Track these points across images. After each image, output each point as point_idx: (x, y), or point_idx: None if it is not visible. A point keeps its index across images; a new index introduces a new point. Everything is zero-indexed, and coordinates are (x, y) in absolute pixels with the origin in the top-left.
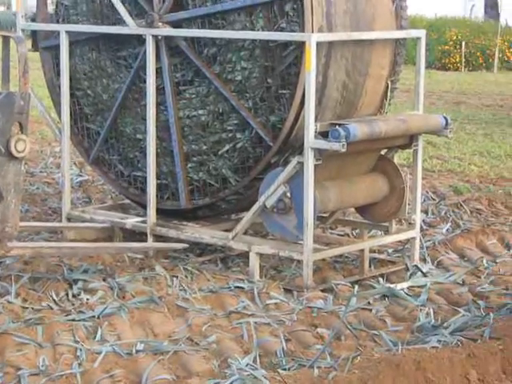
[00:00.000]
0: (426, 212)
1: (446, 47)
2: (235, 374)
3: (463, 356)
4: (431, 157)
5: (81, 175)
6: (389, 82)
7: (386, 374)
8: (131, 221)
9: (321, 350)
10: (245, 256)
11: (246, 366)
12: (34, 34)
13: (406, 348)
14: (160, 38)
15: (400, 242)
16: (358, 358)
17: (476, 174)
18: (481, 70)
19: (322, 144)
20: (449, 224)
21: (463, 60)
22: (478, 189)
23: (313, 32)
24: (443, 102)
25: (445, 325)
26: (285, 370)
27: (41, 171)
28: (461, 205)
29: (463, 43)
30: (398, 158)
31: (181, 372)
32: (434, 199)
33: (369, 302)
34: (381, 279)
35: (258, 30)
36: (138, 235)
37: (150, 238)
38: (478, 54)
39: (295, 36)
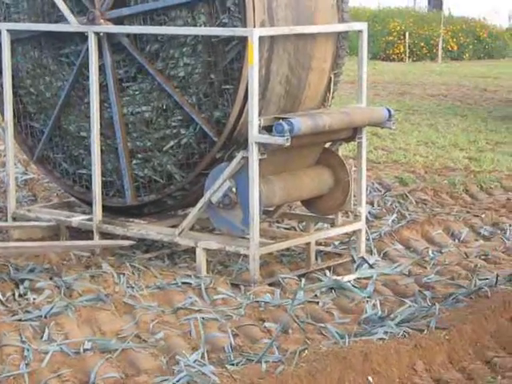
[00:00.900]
0: (371, 203)
1: (390, 38)
2: (183, 371)
3: (410, 347)
4: (376, 148)
5: (26, 173)
6: (332, 76)
7: (334, 366)
8: (77, 219)
9: (268, 345)
10: (192, 252)
11: (194, 362)
12: None
13: (353, 340)
14: (102, 34)
15: (346, 234)
16: (306, 351)
17: (421, 164)
18: (425, 60)
19: (266, 138)
20: (394, 215)
21: (407, 50)
22: (423, 179)
23: (254, 27)
24: (388, 93)
25: (391, 316)
26: (233, 365)
27: None
28: (406, 195)
29: (407, 34)
30: (344, 149)
31: (129, 370)
32: (379, 190)
33: (316, 295)
34: (327, 272)
35: (200, 25)
36: (84, 233)
37: (96, 236)
38: (422, 44)
39: (237, 31)
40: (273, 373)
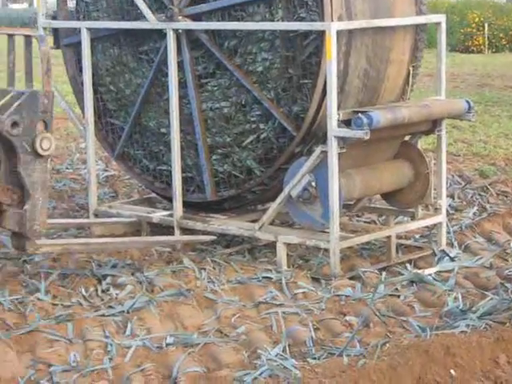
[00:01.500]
0: (452, 196)
1: (469, 29)
2: (265, 365)
3: (492, 340)
4: (456, 140)
5: (107, 170)
6: (410, 68)
7: (416, 360)
8: (158, 215)
9: (350, 338)
10: (272, 246)
11: (276, 356)
12: (55, 32)
13: (435, 333)
14: (180, 31)
15: (427, 227)
16: (387, 344)
17: (502, 156)
18: (504, 51)
19: (346, 132)
20: (475, 208)
21: (486, 42)
22: (503, 171)
23: (332, 21)
24: (467, 85)
25: (473, 309)
26: (314, 359)
27: (67, 168)
28: (487, 188)
29: (486, 25)
30: (423, 142)
31: (211, 364)
32: (459, 183)
33: (397, 289)
34: (408, 265)
35: (278, 20)
36: (165, 229)
37: (177, 232)
38: (501, 35)
39: (315, 25)
40: (354, 366)
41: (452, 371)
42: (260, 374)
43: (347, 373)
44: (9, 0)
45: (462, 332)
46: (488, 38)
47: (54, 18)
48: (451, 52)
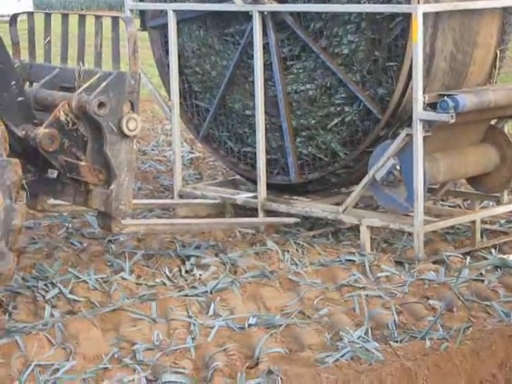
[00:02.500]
0: None
1: None
2: (347, 347)
3: None
4: None
5: (192, 152)
6: (497, 51)
7: (499, 344)
8: (242, 196)
9: (432, 322)
10: (356, 229)
11: (358, 338)
12: (142, 14)
13: None
14: (266, 13)
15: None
16: (470, 329)
17: None
18: None
19: (431, 116)
20: None
21: None
22: None
23: (419, 3)
24: None
25: None
26: (396, 342)
27: (152, 149)
28: None
29: None
30: (511, 127)
31: (293, 345)
32: None
33: (481, 273)
34: (493, 250)
35: (365, 2)
36: (249, 211)
37: (260, 213)
38: None
39: (401, 8)
40: (437, 350)
41: None
42: (342, 356)
43: (429, 356)
44: None
45: None
46: None
47: (141, 0)
48: None
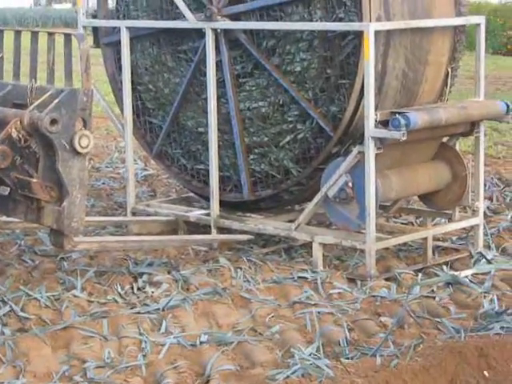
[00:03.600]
0: (490, 199)
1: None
2: (298, 364)
3: None
4: (496, 143)
5: (146, 169)
6: (449, 69)
7: (449, 361)
8: (195, 213)
9: (383, 339)
10: (308, 246)
11: (310, 355)
12: (95, 31)
13: (469, 335)
14: (219, 31)
15: (464, 229)
16: (421, 345)
17: None
18: None
19: (383, 133)
20: None
21: None
22: None
23: (371, 21)
24: (509, 88)
25: (508, 311)
26: (348, 358)
27: (106, 166)
28: None
29: None
30: (463, 145)
31: (244, 362)
32: (498, 186)
33: (432, 290)
34: (445, 267)
35: (316, 20)
36: (202, 228)
37: (213, 231)
38: None
39: (353, 26)
40: (387, 366)
41: (485, 373)
42: (293, 373)
43: (380, 373)
44: (53, 0)
45: (496, 334)
46: None
47: (95, 17)
48: (494, 55)
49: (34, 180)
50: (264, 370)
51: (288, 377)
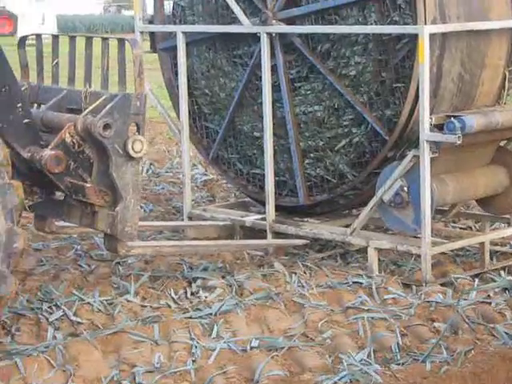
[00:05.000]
0: None
1: None
2: (346, 370)
3: None
4: None
5: (205, 174)
6: (506, 72)
7: (500, 367)
8: (251, 218)
9: (434, 344)
10: (364, 251)
11: (360, 361)
12: (152, 36)
13: None
14: (274, 35)
15: None
16: (472, 351)
17: None
18: None
19: (438, 137)
20: None
21: None
22: None
23: (426, 24)
24: None
25: None
26: (399, 364)
27: (166, 171)
28: None
29: None
30: None
31: (294, 368)
32: None
33: (489, 295)
34: (502, 272)
35: (371, 23)
36: (258, 232)
37: (269, 235)
38: None
39: (408, 29)
40: (437, 373)
41: None
42: (340, 379)
43: (429, 379)
44: (124, 7)
45: None
46: None
47: (151, 22)
48: None
49: (88, 185)
50: (313, 376)
51: (335, 383)
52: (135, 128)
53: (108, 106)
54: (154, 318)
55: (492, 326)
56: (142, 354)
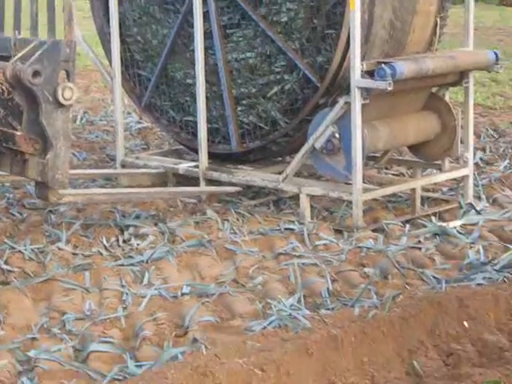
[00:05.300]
0: (484, 149)
1: None
2: (275, 315)
3: (508, 292)
4: (494, 94)
5: (140, 122)
6: (437, 19)
7: (428, 311)
8: (184, 166)
9: (363, 289)
10: (297, 198)
11: (290, 306)
12: None
13: (450, 286)
14: None
15: (456, 180)
16: (401, 296)
17: None
18: None
19: (369, 83)
20: (506, 161)
21: None
22: None
23: None
24: None
25: (494, 262)
26: (328, 309)
27: (101, 119)
28: None
29: None
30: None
31: (224, 314)
32: (493, 136)
33: (419, 241)
34: (433, 218)
35: None
36: (193, 180)
37: (202, 183)
38: None
39: None
40: (365, 317)
41: (465, 323)
42: (269, 324)
43: (357, 323)
44: None
45: (478, 284)
46: None
47: None
48: (499, 6)
49: (18, 133)
50: (243, 322)
51: (265, 328)
52: (65, 75)
53: (37, 53)
54: (85, 265)
55: (421, 270)
56: (73, 301)
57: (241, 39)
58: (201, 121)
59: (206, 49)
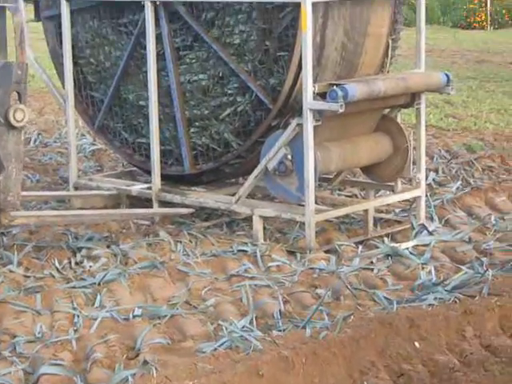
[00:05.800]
0: (436, 171)
1: (471, 6)
2: (226, 336)
3: (459, 313)
4: (447, 115)
5: (94, 144)
6: (389, 41)
7: (379, 332)
8: (136, 187)
9: (314, 310)
10: (251, 220)
11: (242, 328)
12: (36, 4)
13: (401, 306)
14: (158, 3)
15: (408, 201)
16: (352, 317)
17: (491, 131)
18: (507, 27)
19: (321, 105)
20: (459, 182)
21: (489, 18)
22: (491, 146)
23: None
24: (466, 61)
25: (445, 283)
26: (280, 331)
27: (55, 141)
28: (472, 162)
29: (488, 1)
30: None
31: (176, 335)
32: (446, 158)
33: (372, 262)
34: (386, 239)
35: None
36: (146, 201)
37: (155, 204)
38: (504, 11)
39: None
40: (316, 338)
41: (416, 343)
42: (220, 345)
43: (308, 344)
44: None
45: (429, 305)
46: (490, 14)
47: None
48: (453, 28)
49: None
50: (194, 343)
51: (215, 349)
52: (17, 97)
53: None
54: (36, 287)
55: (373, 291)
56: (24, 324)
57: (194, 61)
58: (153, 142)
59: (159, 70)
